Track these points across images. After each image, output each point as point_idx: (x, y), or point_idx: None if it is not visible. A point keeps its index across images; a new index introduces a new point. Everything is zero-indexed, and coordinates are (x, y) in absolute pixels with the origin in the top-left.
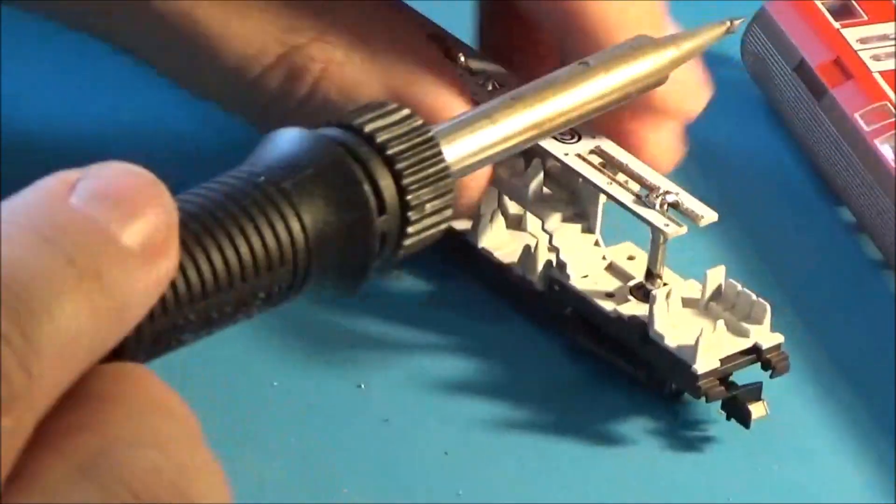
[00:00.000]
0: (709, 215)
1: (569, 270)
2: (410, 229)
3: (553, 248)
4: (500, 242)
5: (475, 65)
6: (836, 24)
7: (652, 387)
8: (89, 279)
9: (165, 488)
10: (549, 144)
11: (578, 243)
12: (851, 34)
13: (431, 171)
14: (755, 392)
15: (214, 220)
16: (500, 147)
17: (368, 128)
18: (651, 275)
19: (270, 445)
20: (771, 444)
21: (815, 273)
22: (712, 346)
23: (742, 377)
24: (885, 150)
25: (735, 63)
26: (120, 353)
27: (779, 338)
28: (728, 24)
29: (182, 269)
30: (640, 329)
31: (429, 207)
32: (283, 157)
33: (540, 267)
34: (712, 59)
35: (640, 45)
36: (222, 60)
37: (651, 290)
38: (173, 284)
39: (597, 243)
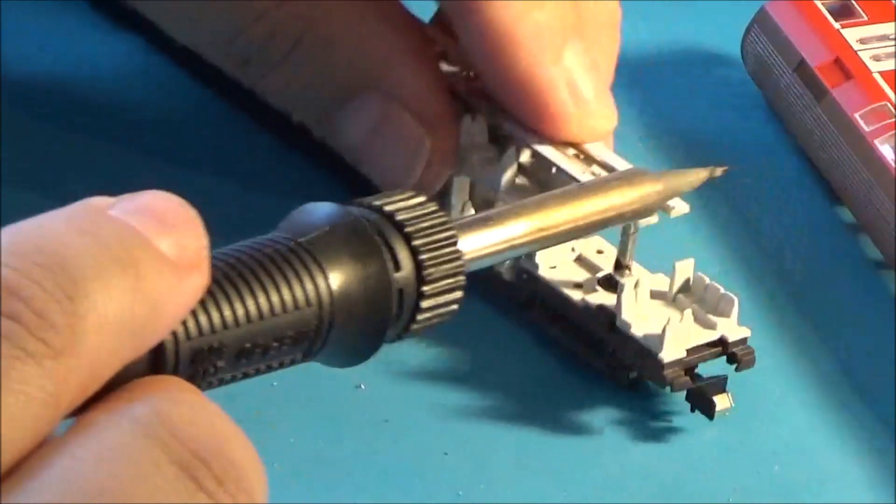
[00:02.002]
0: (679, 206)
1: (537, 260)
2: (424, 304)
3: None
4: None
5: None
6: (836, 25)
7: (612, 377)
8: (126, 269)
9: (203, 439)
10: (523, 135)
11: None
12: (851, 34)
13: (445, 251)
14: (720, 384)
15: (242, 263)
16: (501, 247)
17: (389, 208)
18: (620, 265)
19: (270, 445)
20: (771, 443)
21: (815, 273)
22: (679, 337)
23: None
24: (885, 150)
25: (735, 63)
26: (158, 368)
27: (745, 331)
28: (712, 170)
29: (213, 295)
30: (608, 318)
31: (442, 284)
32: (306, 221)
33: None
34: (712, 59)
35: (631, 176)
36: (210, 12)
37: (619, 280)
38: (206, 307)
39: None
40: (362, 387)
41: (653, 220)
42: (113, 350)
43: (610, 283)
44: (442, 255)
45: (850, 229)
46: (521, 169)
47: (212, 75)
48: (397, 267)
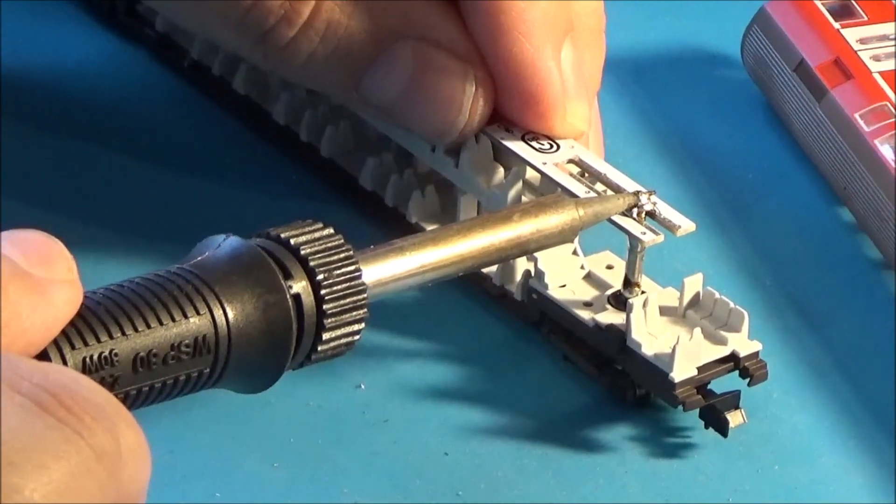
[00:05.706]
0: (686, 225)
1: (547, 280)
2: (328, 322)
3: (531, 258)
4: None
5: None
6: (836, 25)
7: (619, 394)
8: None
9: (52, 379)
10: (528, 154)
11: (557, 252)
12: (851, 34)
13: (344, 275)
14: (733, 400)
15: (129, 286)
16: (411, 275)
17: (284, 235)
18: (629, 283)
19: (271, 445)
20: (772, 444)
21: (815, 273)
22: (690, 354)
23: (722, 385)
24: (885, 150)
25: (735, 63)
26: None
27: (756, 345)
28: (636, 197)
29: (98, 311)
30: (618, 337)
31: (344, 304)
32: (197, 251)
33: (518, 276)
34: (712, 60)
35: (552, 202)
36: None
37: (628, 299)
38: (90, 322)
39: (575, 252)
40: (362, 387)
41: (658, 239)
42: None
43: (619, 301)
44: (342, 281)
45: (850, 229)
46: (528, 187)
47: (212, 85)
48: (289, 279)
